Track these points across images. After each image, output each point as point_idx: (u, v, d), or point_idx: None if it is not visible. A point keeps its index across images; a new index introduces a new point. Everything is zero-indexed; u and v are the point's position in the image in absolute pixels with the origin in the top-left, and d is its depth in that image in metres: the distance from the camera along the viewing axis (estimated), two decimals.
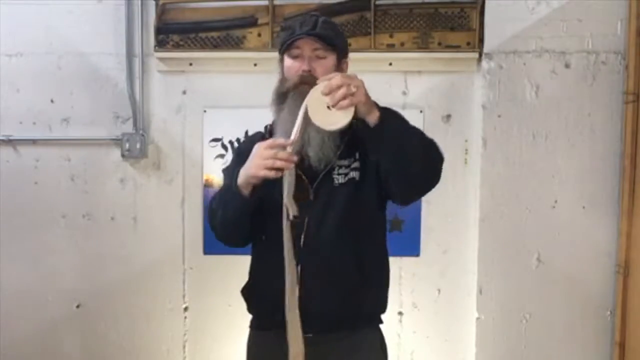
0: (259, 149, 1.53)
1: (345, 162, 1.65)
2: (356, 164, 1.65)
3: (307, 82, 1.59)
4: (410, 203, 1.70)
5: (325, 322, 1.62)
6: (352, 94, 1.44)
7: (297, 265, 1.59)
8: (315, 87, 1.48)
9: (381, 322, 1.77)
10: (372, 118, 1.49)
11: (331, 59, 1.64)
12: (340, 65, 1.67)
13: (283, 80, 1.66)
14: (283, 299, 1.58)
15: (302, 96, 1.53)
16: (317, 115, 1.47)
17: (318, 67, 1.61)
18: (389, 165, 1.54)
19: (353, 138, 1.63)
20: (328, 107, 1.45)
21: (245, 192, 1.57)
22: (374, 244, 1.73)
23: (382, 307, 1.76)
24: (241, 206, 1.59)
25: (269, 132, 1.72)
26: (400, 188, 1.59)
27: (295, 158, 1.51)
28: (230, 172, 1.71)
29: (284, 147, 1.50)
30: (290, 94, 1.61)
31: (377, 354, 1.74)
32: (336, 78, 1.45)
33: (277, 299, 1.58)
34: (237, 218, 1.63)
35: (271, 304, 1.62)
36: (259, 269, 1.76)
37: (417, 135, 1.59)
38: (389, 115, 1.52)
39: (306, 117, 1.48)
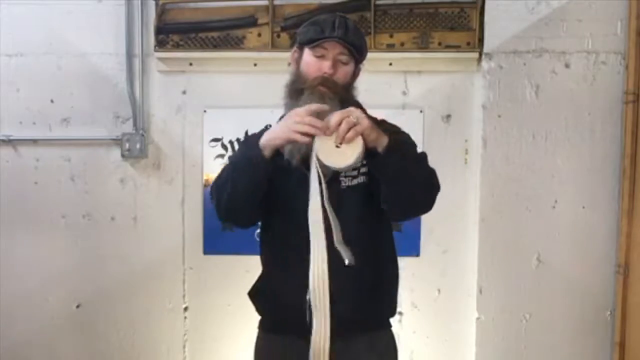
0: (292, 112, 1.51)
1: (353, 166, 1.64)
2: (364, 169, 1.64)
3: (326, 85, 1.59)
4: (397, 222, 1.72)
5: (342, 324, 1.60)
6: (355, 125, 1.44)
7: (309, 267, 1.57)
8: (317, 137, 1.47)
9: (390, 323, 1.78)
10: (381, 145, 1.49)
11: (351, 65, 1.64)
12: (356, 70, 1.68)
13: (299, 75, 1.64)
14: (298, 302, 1.58)
15: (319, 97, 1.56)
16: (330, 158, 1.47)
17: (339, 72, 1.61)
18: (390, 191, 1.55)
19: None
20: (337, 146, 1.46)
21: (267, 153, 1.53)
22: (386, 246, 1.74)
23: (394, 309, 1.77)
24: (258, 171, 1.54)
25: None
26: (394, 211, 1.62)
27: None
28: (235, 153, 1.70)
29: (319, 115, 1.49)
30: (306, 92, 1.60)
31: (391, 355, 1.75)
32: (333, 117, 1.46)
33: (293, 302, 1.58)
34: (251, 186, 1.56)
35: (286, 307, 1.62)
36: (272, 271, 1.73)
37: (421, 165, 1.60)
38: (398, 144, 1.52)
39: (321, 165, 1.48)
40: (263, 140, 1.52)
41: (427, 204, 1.63)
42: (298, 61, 1.66)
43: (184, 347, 2.93)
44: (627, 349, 2.57)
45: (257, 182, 1.56)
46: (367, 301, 1.65)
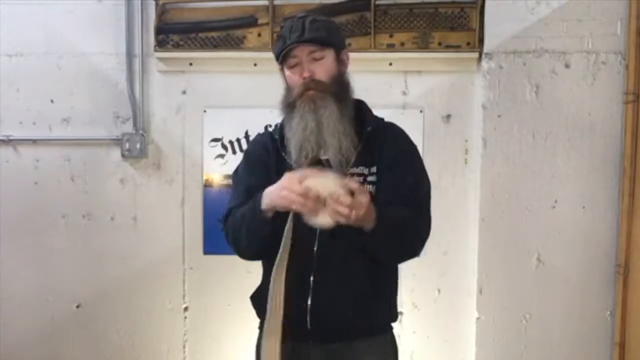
0: (286, 179, 1.48)
1: (359, 171, 1.63)
2: (372, 178, 1.63)
3: (311, 87, 1.59)
4: None
5: (339, 331, 1.61)
6: (355, 210, 1.42)
7: (310, 275, 1.59)
8: (331, 193, 1.43)
9: (392, 327, 1.77)
10: (366, 227, 1.49)
11: (329, 56, 1.62)
12: (340, 58, 1.66)
13: (288, 89, 1.65)
14: (298, 307, 1.59)
15: (309, 103, 1.56)
16: (317, 218, 1.46)
17: (317, 70, 1.60)
18: (375, 253, 1.59)
19: (370, 148, 1.62)
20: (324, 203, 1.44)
21: (270, 214, 1.54)
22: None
23: (395, 314, 1.77)
24: (266, 229, 1.56)
25: (279, 137, 1.68)
26: (378, 260, 1.64)
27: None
28: (242, 179, 1.71)
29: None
30: (297, 103, 1.60)
31: (391, 358, 1.75)
32: (344, 206, 1.41)
33: (293, 307, 1.58)
34: (265, 241, 1.59)
35: (287, 312, 1.61)
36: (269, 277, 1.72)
37: (407, 232, 1.60)
38: (382, 227, 1.51)
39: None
40: (264, 205, 1.53)
41: (407, 257, 1.68)
42: (284, 78, 1.67)
43: (184, 347, 2.93)
44: (627, 349, 2.57)
45: (267, 236, 1.57)
46: (368, 307, 1.64)
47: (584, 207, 2.63)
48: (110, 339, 2.93)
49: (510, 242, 2.65)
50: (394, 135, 1.70)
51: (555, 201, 2.63)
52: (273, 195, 1.51)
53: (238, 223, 1.62)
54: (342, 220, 1.43)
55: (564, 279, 2.65)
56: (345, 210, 1.41)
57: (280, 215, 1.53)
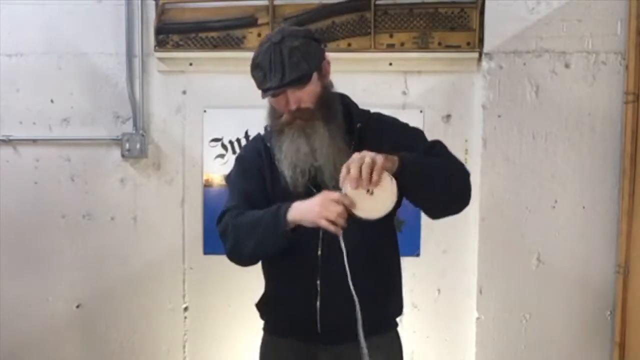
0: (326, 198, 1.49)
1: None
2: None
3: (299, 117, 1.58)
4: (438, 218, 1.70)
5: (346, 331, 1.61)
6: (372, 165, 1.42)
7: (317, 278, 1.60)
8: (345, 194, 1.45)
9: (397, 322, 1.78)
10: (395, 169, 1.49)
11: (313, 80, 1.59)
12: (321, 73, 1.62)
13: (274, 112, 1.63)
14: (309, 308, 1.61)
15: (299, 130, 1.57)
16: (367, 210, 1.46)
17: (303, 97, 1.58)
18: (423, 203, 1.57)
19: (362, 144, 1.61)
20: (368, 191, 1.44)
21: (291, 227, 1.54)
22: (390, 250, 1.74)
23: (401, 307, 1.78)
24: (282, 241, 1.56)
25: (271, 145, 1.68)
26: (436, 214, 1.66)
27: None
28: (236, 184, 1.71)
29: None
30: (286, 130, 1.60)
31: (397, 356, 1.76)
32: (351, 172, 1.42)
33: (304, 309, 1.60)
34: (273, 249, 1.60)
35: (297, 315, 1.64)
36: (278, 280, 1.73)
37: (441, 167, 1.58)
38: (408, 161, 1.51)
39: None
40: (290, 217, 1.52)
41: (464, 197, 1.63)
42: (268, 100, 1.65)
43: (184, 347, 2.93)
44: (627, 349, 2.57)
45: (279, 248, 1.58)
46: (374, 303, 1.64)
47: (584, 207, 2.63)
48: (110, 339, 2.93)
49: (510, 242, 2.65)
50: (385, 127, 1.70)
51: (555, 201, 2.63)
52: (303, 209, 1.51)
53: (245, 228, 1.60)
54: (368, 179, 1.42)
55: (564, 279, 2.65)
56: (355, 171, 1.40)
57: (300, 230, 1.54)
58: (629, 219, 2.54)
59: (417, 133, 1.75)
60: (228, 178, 1.80)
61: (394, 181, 1.45)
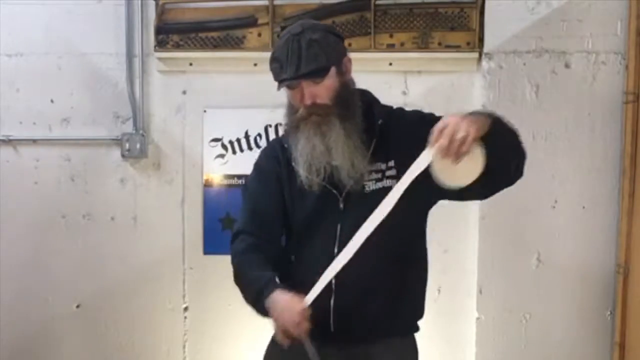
0: (287, 310, 1.50)
1: (376, 167, 1.60)
2: (392, 172, 1.60)
3: (314, 112, 1.56)
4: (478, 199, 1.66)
5: (363, 333, 1.61)
6: (464, 140, 1.34)
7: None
8: (431, 160, 1.37)
9: (417, 326, 1.76)
10: (485, 127, 1.42)
11: (331, 76, 1.56)
12: (341, 69, 1.59)
13: (291, 108, 1.61)
14: (323, 308, 1.58)
15: (314, 127, 1.55)
16: (450, 177, 1.39)
17: (319, 92, 1.55)
18: (496, 166, 1.48)
19: (383, 142, 1.60)
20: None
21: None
22: (413, 251, 1.71)
23: (421, 312, 1.76)
24: (262, 315, 1.59)
25: (288, 145, 1.66)
26: (490, 187, 1.60)
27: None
28: (249, 201, 1.70)
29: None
30: (301, 125, 1.58)
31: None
32: (441, 141, 1.34)
33: (318, 310, 1.57)
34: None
35: (312, 315, 1.60)
36: (290, 278, 1.69)
37: (516, 135, 1.56)
38: (495, 124, 1.46)
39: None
40: (267, 305, 1.54)
41: (520, 170, 1.63)
42: (287, 94, 1.63)
43: (184, 347, 2.93)
44: (627, 349, 2.57)
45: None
46: (386, 311, 1.63)
47: (584, 207, 2.63)
48: (110, 339, 2.93)
49: (510, 242, 2.65)
50: (408, 122, 1.66)
51: (555, 201, 2.63)
52: (274, 307, 1.52)
53: (239, 278, 1.67)
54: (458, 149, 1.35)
55: (564, 279, 2.65)
56: (462, 133, 1.33)
57: None
58: (629, 219, 2.53)
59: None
60: (245, 188, 1.77)
61: (483, 152, 1.38)
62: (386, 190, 1.54)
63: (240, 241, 1.67)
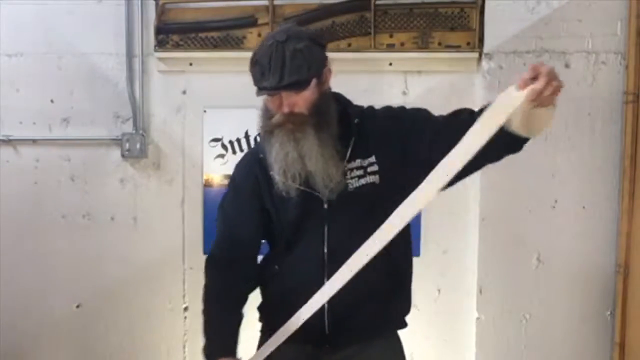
0: None
1: (357, 164, 1.61)
2: (373, 167, 1.60)
3: (290, 120, 1.54)
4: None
5: (357, 332, 1.61)
6: (557, 89, 1.34)
7: (324, 277, 1.58)
8: (514, 96, 1.32)
9: (407, 324, 1.76)
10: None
11: (311, 86, 1.54)
12: (320, 80, 1.57)
13: (267, 112, 1.60)
14: (317, 312, 1.58)
15: (288, 134, 1.53)
16: (521, 125, 1.36)
17: (298, 101, 1.54)
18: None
19: (362, 140, 1.60)
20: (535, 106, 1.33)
21: None
22: (400, 247, 1.69)
23: (409, 306, 1.76)
24: None
25: (261, 160, 1.65)
26: (519, 146, 1.61)
27: None
28: (224, 222, 1.73)
29: None
30: (276, 131, 1.57)
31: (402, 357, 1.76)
32: (537, 85, 1.33)
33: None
34: None
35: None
36: (282, 280, 1.71)
37: None
38: None
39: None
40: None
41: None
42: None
43: (184, 347, 2.93)
44: (627, 349, 2.57)
45: None
46: (377, 307, 1.64)
47: (584, 207, 2.63)
48: (110, 339, 2.93)
49: (510, 242, 2.65)
50: (383, 118, 1.68)
51: (555, 201, 2.63)
52: None
53: (204, 322, 1.81)
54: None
55: (564, 279, 2.65)
56: (542, 84, 1.34)
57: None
58: (629, 219, 2.53)
59: (416, 110, 1.76)
60: (221, 209, 1.75)
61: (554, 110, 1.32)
62: (369, 186, 1.58)
63: (214, 275, 1.76)
